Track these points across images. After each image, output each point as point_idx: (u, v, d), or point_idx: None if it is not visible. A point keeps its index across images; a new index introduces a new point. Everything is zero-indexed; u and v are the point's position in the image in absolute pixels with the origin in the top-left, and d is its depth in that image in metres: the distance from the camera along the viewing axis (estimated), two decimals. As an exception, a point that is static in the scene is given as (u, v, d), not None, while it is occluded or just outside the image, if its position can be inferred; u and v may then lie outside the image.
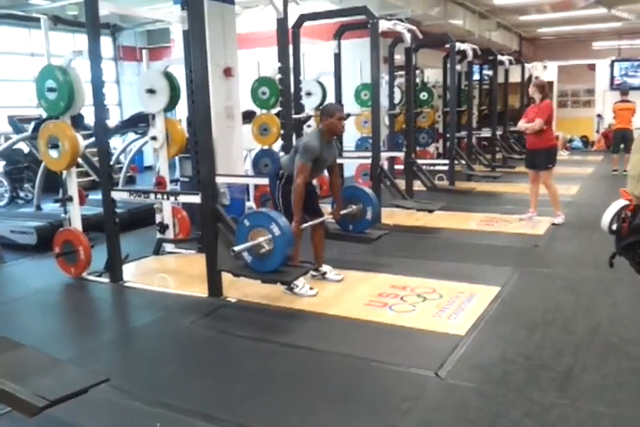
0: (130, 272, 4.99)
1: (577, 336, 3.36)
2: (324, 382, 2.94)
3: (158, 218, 5.66)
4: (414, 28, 7.07)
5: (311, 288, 4.22)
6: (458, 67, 11.05)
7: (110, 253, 4.73)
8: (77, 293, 4.69)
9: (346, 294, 4.29)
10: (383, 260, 5.16)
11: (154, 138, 5.56)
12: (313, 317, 3.84)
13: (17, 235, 6.25)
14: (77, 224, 4.89)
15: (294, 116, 7.16)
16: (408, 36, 7.11)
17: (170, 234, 5.67)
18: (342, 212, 4.73)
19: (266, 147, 7.13)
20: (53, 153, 4.69)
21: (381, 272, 4.75)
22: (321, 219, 4.46)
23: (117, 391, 2.78)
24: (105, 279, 4.80)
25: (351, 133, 9.67)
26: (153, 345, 3.54)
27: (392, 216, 6.86)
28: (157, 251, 5.67)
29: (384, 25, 6.54)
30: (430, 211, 6.26)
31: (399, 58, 9.95)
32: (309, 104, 7.91)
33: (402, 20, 7.20)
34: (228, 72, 7.28)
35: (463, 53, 9.85)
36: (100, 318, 4.11)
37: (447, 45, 8.96)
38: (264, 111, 7.17)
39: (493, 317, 3.70)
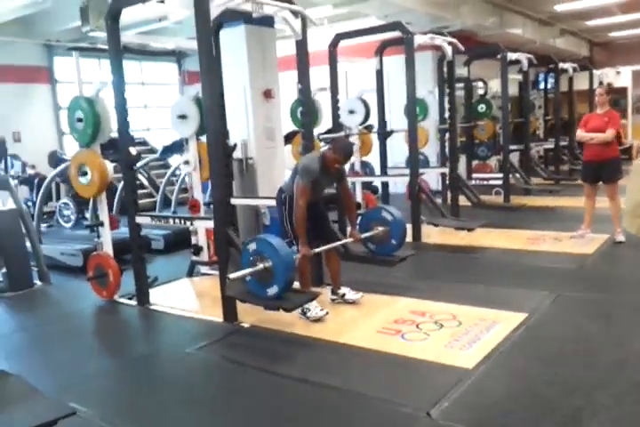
0: (160, 294, 5.08)
1: (596, 372, 3.05)
2: (312, 418, 2.82)
3: (193, 240, 5.74)
4: (454, 40, 6.86)
5: (321, 309, 4.11)
6: (518, 76, 10.65)
7: (136, 277, 4.84)
8: (104, 316, 4.82)
9: (361, 319, 4.15)
10: (411, 282, 4.97)
11: (186, 162, 5.67)
12: (320, 345, 3.72)
13: (66, 257, 6.52)
14: (108, 248, 5.04)
15: (326, 135, 7.20)
16: (449, 50, 6.91)
17: (205, 256, 5.74)
18: (366, 234, 4.60)
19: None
20: (83, 180, 4.88)
21: (405, 296, 4.57)
22: (336, 243, 4.35)
23: (100, 421, 2.79)
24: (134, 302, 4.90)
25: (400, 149, 9.50)
26: (154, 372, 3.54)
27: (436, 235, 6.64)
28: (191, 273, 5.75)
29: (421, 39, 6.38)
30: (470, 229, 5.99)
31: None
32: (353, 122, 7.84)
33: (443, 34, 6.99)
34: (267, 94, 7.38)
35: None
36: (112, 343, 4.18)
37: (499, 56, 8.63)
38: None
39: (510, 348, 3.44)
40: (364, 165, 8.33)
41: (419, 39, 6.26)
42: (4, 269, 5.62)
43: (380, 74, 7.60)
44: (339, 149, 4.21)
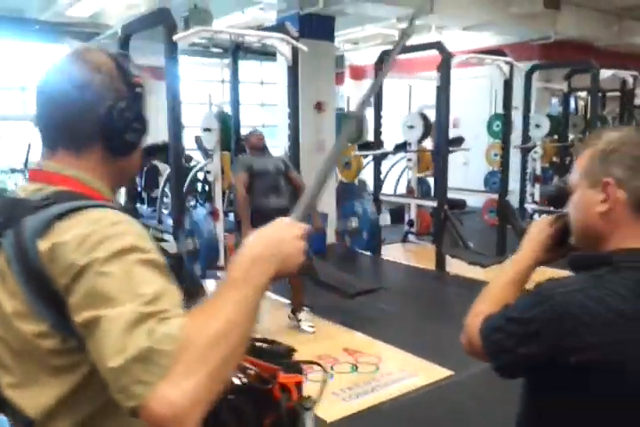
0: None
1: None
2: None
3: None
4: (511, 59, 6.36)
5: (311, 326, 4.42)
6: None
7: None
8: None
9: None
10: (382, 314, 4.78)
11: (208, 172, 6.00)
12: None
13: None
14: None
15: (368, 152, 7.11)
16: (506, 69, 6.42)
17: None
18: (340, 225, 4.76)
19: (347, 181, 7.14)
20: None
21: (359, 329, 4.44)
22: None
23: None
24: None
25: (478, 167, 9.04)
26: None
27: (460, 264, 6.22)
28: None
29: (460, 59, 6.06)
30: (483, 266, 5.55)
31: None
32: (412, 137, 7.61)
33: (503, 54, 6.46)
34: (319, 107, 7.45)
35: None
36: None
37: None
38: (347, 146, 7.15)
39: (390, 409, 3.26)
40: (421, 182, 8.04)
41: (459, 59, 5.94)
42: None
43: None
44: (247, 137, 4.65)
